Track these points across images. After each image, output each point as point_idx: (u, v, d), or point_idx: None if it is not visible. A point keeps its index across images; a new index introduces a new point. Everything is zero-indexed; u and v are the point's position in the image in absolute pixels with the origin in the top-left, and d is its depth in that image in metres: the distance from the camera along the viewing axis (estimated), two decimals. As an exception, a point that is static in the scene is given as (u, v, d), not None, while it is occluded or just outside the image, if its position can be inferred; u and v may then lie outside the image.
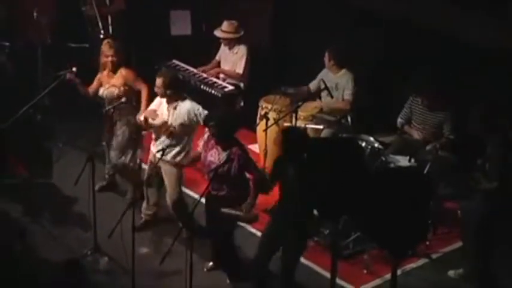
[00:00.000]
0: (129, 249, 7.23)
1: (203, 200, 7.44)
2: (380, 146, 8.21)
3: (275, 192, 7.47)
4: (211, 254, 7.85)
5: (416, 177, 6.56)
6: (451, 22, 9.00)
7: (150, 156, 8.18)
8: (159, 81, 7.89)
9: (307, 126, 8.83)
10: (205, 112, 7.90)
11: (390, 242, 6.22)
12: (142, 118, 8.04)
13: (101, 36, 9.94)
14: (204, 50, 10.34)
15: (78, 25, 10.41)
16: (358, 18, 9.64)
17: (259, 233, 8.09)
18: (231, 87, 9.56)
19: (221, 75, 9.80)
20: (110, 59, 8.32)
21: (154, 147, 8.06)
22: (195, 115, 7.89)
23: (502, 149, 7.40)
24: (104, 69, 8.42)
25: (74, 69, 8.37)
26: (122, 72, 8.35)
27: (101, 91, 8.41)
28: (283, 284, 7.24)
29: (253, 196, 7.43)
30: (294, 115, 8.86)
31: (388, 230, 6.13)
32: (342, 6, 9.76)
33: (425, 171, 7.82)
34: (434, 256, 8.11)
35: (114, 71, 8.36)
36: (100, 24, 10.02)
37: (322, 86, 8.96)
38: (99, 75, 8.47)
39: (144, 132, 8.55)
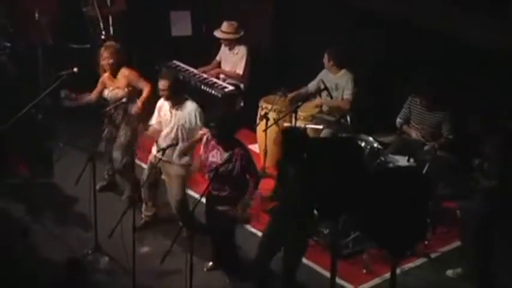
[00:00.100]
0: (130, 248, 7.25)
1: (203, 200, 7.47)
2: (379, 146, 8.22)
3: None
4: (212, 253, 7.86)
5: (415, 177, 6.54)
6: (451, 23, 8.99)
7: (150, 157, 8.19)
8: (164, 84, 7.84)
9: (306, 126, 8.85)
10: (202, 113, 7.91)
11: (389, 241, 6.21)
12: (137, 110, 8.07)
13: (102, 37, 9.99)
14: (204, 51, 10.37)
15: (80, 26, 10.43)
16: (359, 19, 9.63)
17: (259, 233, 8.11)
18: (231, 88, 9.59)
19: (221, 76, 9.83)
20: (106, 61, 8.33)
21: (155, 149, 8.08)
22: (195, 116, 7.89)
23: (503, 150, 7.41)
24: (104, 72, 8.44)
25: (75, 69, 8.40)
26: (125, 73, 8.36)
27: (105, 93, 8.43)
28: (285, 284, 7.25)
29: (250, 197, 7.45)
30: (293, 115, 8.88)
31: (387, 230, 6.12)
32: (343, 7, 9.75)
33: (424, 171, 7.84)
34: (433, 256, 8.12)
35: (113, 73, 8.38)
36: (102, 25, 10.05)
37: (322, 87, 8.98)
38: (102, 78, 8.49)
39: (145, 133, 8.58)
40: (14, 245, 7.47)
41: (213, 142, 7.56)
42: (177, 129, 7.95)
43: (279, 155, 8.86)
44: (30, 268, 7.30)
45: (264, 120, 9.15)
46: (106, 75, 8.45)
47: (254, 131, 9.51)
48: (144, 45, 10.40)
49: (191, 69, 9.91)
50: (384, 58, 9.49)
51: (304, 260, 7.66)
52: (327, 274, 7.17)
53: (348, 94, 9.01)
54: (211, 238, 7.81)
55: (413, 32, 9.16)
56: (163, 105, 8.06)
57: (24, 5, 10.20)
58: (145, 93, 8.26)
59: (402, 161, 8.08)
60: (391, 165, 8.03)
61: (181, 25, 10.90)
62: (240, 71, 9.68)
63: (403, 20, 9.22)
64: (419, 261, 8.03)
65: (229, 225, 7.60)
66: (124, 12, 10.37)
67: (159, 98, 8.11)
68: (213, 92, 9.58)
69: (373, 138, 8.27)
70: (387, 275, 7.16)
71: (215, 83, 9.68)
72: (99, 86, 8.50)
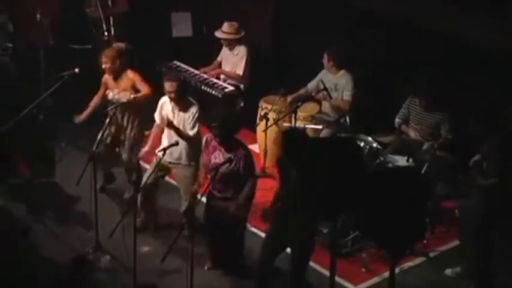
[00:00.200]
0: (131, 247, 7.27)
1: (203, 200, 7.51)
2: (378, 146, 8.24)
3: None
4: (210, 253, 7.87)
5: (414, 177, 6.56)
6: (451, 23, 8.98)
7: (154, 159, 8.18)
8: (171, 85, 7.82)
9: (306, 126, 8.88)
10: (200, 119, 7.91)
11: (388, 240, 6.23)
12: (129, 99, 8.14)
13: (105, 38, 10.02)
14: (205, 51, 10.39)
15: (81, 26, 10.45)
16: (359, 19, 9.64)
17: (259, 233, 8.14)
18: (231, 88, 9.62)
19: (222, 76, 9.86)
20: (105, 65, 8.35)
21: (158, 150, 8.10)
22: (193, 117, 7.89)
23: (502, 150, 7.42)
24: (106, 73, 8.49)
25: (76, 70, 8.43)
26: (130, 75, 8.37)
27: (111, 95, 8.43)
28: (293, 285, 7.27)
29: (245, 197, 7.47)
30: (293, 115, 8.90)
31: (386, 229, 6.14)
32: (343, 7, 9.75)
33: (423, 171, 7.86)
34: (431, 255, 8.14)
35: (115, 76, 8.40)
36: (104, 26, 10.08)
37: (321, 87, 9.00)
38: (103, 79, 8.51)
39: (146, 133, 8.60)
40: (16, 244, 7.50)
41: (213, 143, 7.56)
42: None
43: (279, 155, 8.88)
44: (32, 267, 7.35)
45: (264, 121, 9.18)
46: (107, 76, 8.48)
47: (254, 131, 9.53)
48: (144, 46, 10.42)
49: (191, 69, 9.95)
50: (384, 58, 9.48)
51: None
52: (326, 273, 7.20)
53: (347, 95, 9.03)
54: (211, 238, 7.83)
55: (413, 32, 9.16)
56: (165, 103, 8.06)
57: (25, 5, 10.21)
58: (141, 93, 8.26)
59: (401, 161, 8.10)
60: (390, 165, 8.05)
61: (181, 26, 10.92)
62: (240, 71, 9.71)
63: (403, 20, 9.22)
64: (418, 261, 8.05)
65: (231, 222, 7.62)
66: (125, 13, 10.40)
67: (155, 102, 8.15)
68: (213, 92, 9.61)
69: (372, 138, 8.29)
70: (386, 274, 7.19)
71: (215, 83, 9.71)
72: (102, 89, 8.53)
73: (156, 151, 8.02)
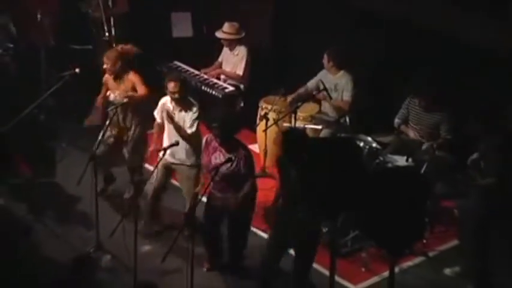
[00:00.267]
0: (131, 247, 7.28)
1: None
2: (378, 146, 8.26)
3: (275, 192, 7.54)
4: (208, 255, 7.88)
5: (413, 177, 6.56)
6: (451, 23, 8.99)
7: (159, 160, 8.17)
8: (175, 86, 7.83)
9: (306, 126, 8.89)
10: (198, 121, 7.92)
11: (388, 240, 6.23)
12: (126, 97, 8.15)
13: (106, 38, 10.03)
14: (205, 52, 10.39)
15: (82, 27, 10.47)
16: (359, 19, 9.64)
17: (260, 232, 8.17)
18: (231, 88, 9.63)
19: (222, 77, 9.88)
20: (106, 66, 8.38)
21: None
22: (193, 116, 7.90)
23: (502, 150, 7.44)
24: (106, 73, 8.51)
25: (77, 70, 8.44)
26: (131, 77, 8.38)
27: (112, 96, 8.44)
28: (296, 286, 7.28)
29: (243, 195, 7.47)
30: (293, 115, 8.92)
31: (385, 229, 6.14)
32: (343, 7, 9.76)
33: (422, 171, 7.87)
34: (431, 254, 8.15)
35: (116, 77, 8.41)
36: (106, 26, 10.09)
37: (321, 87, 9.02)
38: (104, 79, 8.52)
39: (149, 132, 8.61)
40: (16, 244, 7.52)
41: (214, 144, 7.56)
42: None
43: (279, 154, 8.89)
44: (32, 267, 7.36)
45: (264, 121, 9.19)
46: (108, 76, 8.50)
47: (254, 131, 9.54)
48: (145, 46, 10.41)
49: (192, 69, 9.96)
50: (384, 58, 9.49)
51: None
52: (326, 272, 7.22)
53: (347, 96, 9.04)
54: (210, 238, 7.84)
55: (413, 32, 9.16)
56: (165, 103, 8.07)
57: (26, 6, 10.23)
58: (139, 94, 8.28)
59: (401, 160, 8.11)
60: (389, 165, 8.07)
61: (182, 26, 10.92)
62: (240, 71, 9.73)
63: (403, 20, 9.22)
64: (417, 260, 8.06)
65: (231, 222, 7.63)
66: (126, 13, 10.41)
67: (156, 103, 8.16)
68: (213, 92, 9.63)
69: (372, 138, 8.30)
70: (386, 274, 7.22)
71: (215, 83, 9.73)
72: (103, 89, 8.54)
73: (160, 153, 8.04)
